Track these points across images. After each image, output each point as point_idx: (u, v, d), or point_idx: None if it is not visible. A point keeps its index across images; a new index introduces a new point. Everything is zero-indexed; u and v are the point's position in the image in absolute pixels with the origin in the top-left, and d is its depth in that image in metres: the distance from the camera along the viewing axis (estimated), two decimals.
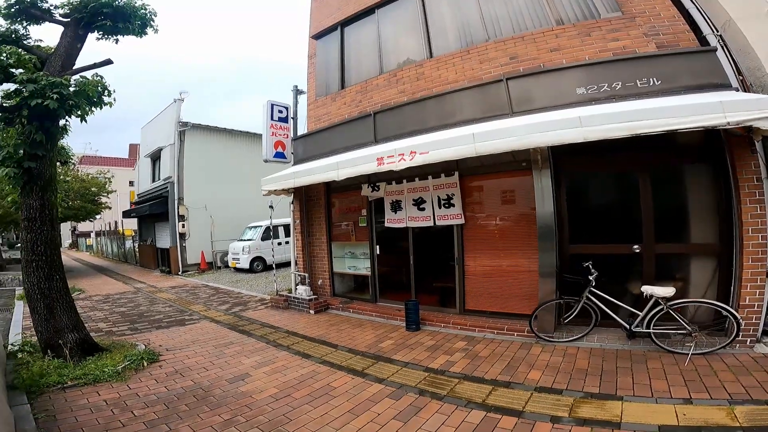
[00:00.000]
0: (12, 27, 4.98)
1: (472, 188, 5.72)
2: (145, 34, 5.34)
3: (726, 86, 3.92)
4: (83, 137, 46.45)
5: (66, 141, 6.08)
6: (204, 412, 3.33)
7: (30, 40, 5.13)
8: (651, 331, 3.99)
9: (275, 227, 11.87)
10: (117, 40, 5.29)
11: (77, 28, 4.94)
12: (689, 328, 3.82)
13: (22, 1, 4.83)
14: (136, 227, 19.60)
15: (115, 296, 9.83)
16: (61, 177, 15.39)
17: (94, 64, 4.96)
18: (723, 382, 3.23)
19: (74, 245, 37.83)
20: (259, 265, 13.03)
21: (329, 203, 7.60)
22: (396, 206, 6.38)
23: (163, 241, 15.47)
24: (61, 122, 4.71)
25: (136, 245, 18.98)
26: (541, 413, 3.01)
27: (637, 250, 4.52)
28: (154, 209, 15.11)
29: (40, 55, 4.97)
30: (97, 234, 29.21)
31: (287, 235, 11.77)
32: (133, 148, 33.32)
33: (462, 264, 5.71)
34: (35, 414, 3.27)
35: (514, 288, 5.26)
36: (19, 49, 4.90)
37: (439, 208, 5.86)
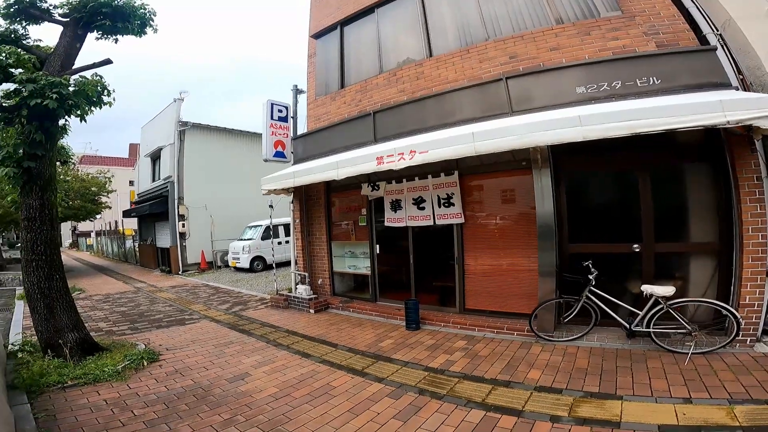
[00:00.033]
0: (11, 27, 4.98)
1: (471, 187, 5.72)
2: (145, 33, 5.33)
3: (726, 85, 3.92)
4: (83, 137, 46.63)
5: (66, 140, 6.07)
6: (204, 411, 3.34)
7: (29, 40, 5.13)
8: (651, 330, 3.99)
9: (275, 227, 11.87)
10: (116, 40, 5.29)
11: (76, 27, 4.94)
12: (689, 327, 3.82)
13: (22, 1, 4.82)
14: (136, 227, 19.60)
15: (115, 296, 9.84)
16: (61, 177, 15.40)
17: (94, 63, 4.96)
18: (723, 382, 3.23)
19: (74, 245, 37.88)
20: (259, 265, 13.03)
21: (329, 202, 7.60)
22: (396, 205, 6.38)
23: (164, 240, 15.48)
24: (61, 122, 4.71)
25: (137, 245, 19.00)
26: (541, 413, 3.01)
27: (637, 249, 4.52)
28: (154, 209, 15.12)
29: (39, 54, 4.97)
30: (98, 234, 29.27)
31: (287, 234, 11.76)
32: (133, 148, 33.34)
33: (462, 263, 5.71)
34: (35, 413, 3.27)
35: (513, 287, 5.26)
36: (19, 49, 4.88)
37: (439, 207, 5.86)
